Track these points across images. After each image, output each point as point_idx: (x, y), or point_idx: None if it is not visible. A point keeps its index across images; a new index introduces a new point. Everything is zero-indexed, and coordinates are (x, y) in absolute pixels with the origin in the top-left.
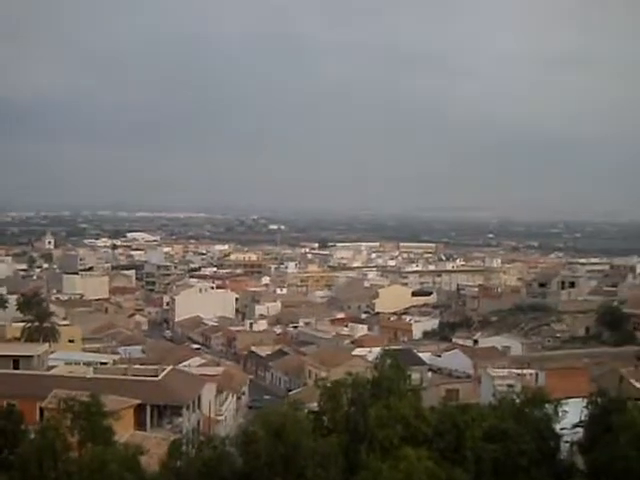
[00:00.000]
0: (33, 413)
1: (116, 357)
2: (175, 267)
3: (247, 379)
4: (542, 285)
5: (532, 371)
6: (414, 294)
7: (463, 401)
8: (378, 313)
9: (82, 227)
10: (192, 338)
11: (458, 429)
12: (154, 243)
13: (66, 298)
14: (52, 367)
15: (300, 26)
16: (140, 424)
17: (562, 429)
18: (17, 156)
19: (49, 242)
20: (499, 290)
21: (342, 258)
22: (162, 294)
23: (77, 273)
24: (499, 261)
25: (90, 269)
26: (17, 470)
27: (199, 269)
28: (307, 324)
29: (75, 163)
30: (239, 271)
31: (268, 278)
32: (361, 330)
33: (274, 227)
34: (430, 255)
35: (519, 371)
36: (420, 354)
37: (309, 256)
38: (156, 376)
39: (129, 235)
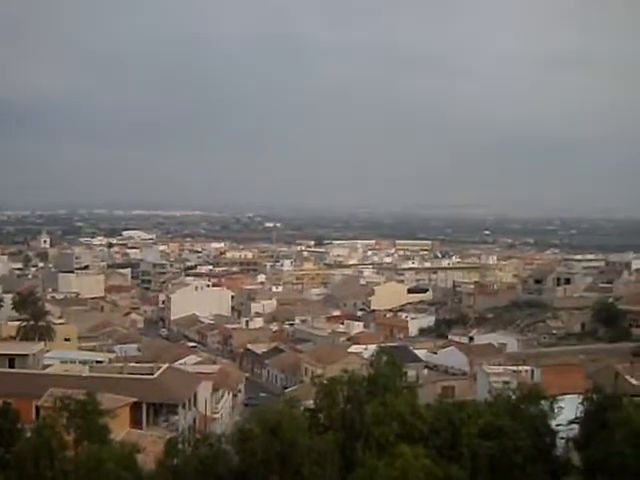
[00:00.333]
0: (29, 412)
1: (112, 355)
2: (171, 265)
3: (243, 377)
4: (538, 282)
5: (528, 368)
6: (410, 291)
7: (459, 398)
8: (374, 310)
9: (78, 226)
10: (188, 336)
11: (454, 426)
12: (150, 241)
13: (62, 297)
14: (48, 366)
15: (300, 26)
16: (136, 422)
17: (558, 425)
18: (13, 155)
19: (45, 241)
20: (495, 287)
21: (338, 256)
22: (158, 292)
23: (73, 272)
24: (495, 258)
25: (86, 268)
26: (13, 469)
27: (195, 267)
28: (303, 322)
29: (71, 162)
30: (235, 269)
31: (264, 276)
32: (357, 327)
33: (270, 225)
34: (426, 252)
35: (515, 368)
36: (416, 351)
37: (305, 254)
38: (152, 374)
39: (125, 233)
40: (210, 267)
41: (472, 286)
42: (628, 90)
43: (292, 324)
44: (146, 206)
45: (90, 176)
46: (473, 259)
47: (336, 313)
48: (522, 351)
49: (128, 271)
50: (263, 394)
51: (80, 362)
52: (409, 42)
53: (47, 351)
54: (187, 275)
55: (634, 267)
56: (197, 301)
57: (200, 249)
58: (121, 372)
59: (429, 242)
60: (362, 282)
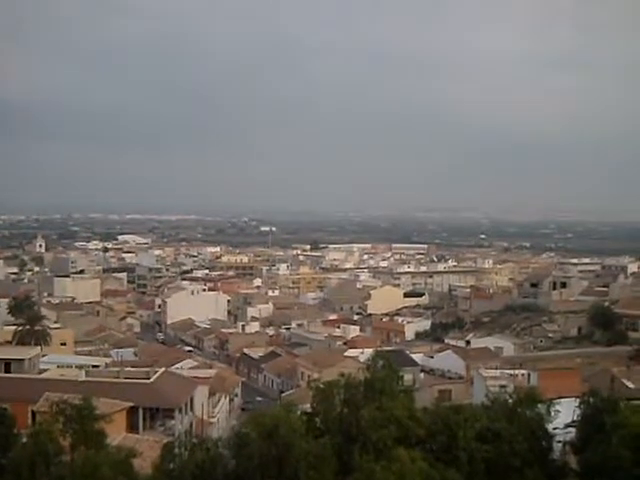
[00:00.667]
0: (25, 417)
1: (108, 360)
2: (167, 269)
3: (239, 381)
4: (534, 285)
5: (524, 371)
6: (406, 295)
7: (456, 402)
8: (370, 314)
9: (73, 230)
10: (184, 340)
11: (451, 430)
12: (145, 246)
13: (57, 301)
14: (44, 370)
15: (294, 29)
16: (132, 427)
17: (554, 429)
18: (8, 158)
19: (40, 245)
20: (491, 291)
21: (334, 260)
22: (154, 297)
23: (68, 276)
24: (491, 262)
25: (81, 272)
26: (9, 474)
27: (191, 271)
28: (299, 326)
29: (66, 166)
30: (231, 273)
31: (260, 280)
32: (353, 331)
33: (266, 229)
34: (422, 256)
35: (511, 371)
36: (412, 355)
37: (301, 258)
38: (148, 379)
39: (120, 238)
40: (206, 271)
41: (468, 290)
42: (626, 92)
43: (288, 328)
44: (142, 210)
45: (86, 180)
46: (469, 263)
47: (332, 317)
48: (518, 355)
49: (124, 275)
50: (260, 398)
51: (76, 367)
52: (404, 44)
53: (43, 356)
54: (183, 279)
55: (630, 271)
56: (193, 305)
57: (196, 253)
58: (117, 377)
59: (425, 246)
60: (358, 286)
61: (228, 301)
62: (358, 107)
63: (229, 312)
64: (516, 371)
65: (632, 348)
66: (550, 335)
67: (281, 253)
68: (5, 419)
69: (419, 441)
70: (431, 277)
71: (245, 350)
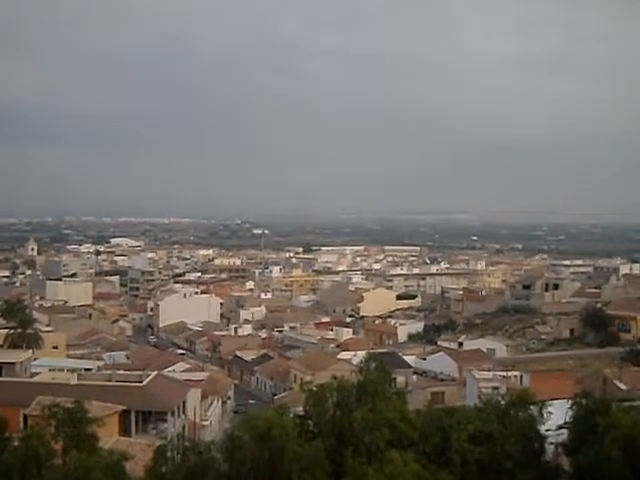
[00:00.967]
0: (17, 420)
1: (100, 363)
2: (159, 272)
3: (232, 384)
4: (526, 287)
5: (517, 373)
6: (399, 297)
7: (448, 404)
8: (363, 317)
9: (65, 233)
10: (177, 343)
11: (444, 432)
12: (138, 249)
13: (49, 304)
14: (36, 374)
15: (291, 32)
16: (125, 430)
17: (547, 431)
18: (0, 161)
19: (32, 248)
20: (483, 292)
21: (327, 262)
22: (146, 300)
23: (60, 279)
24: (483, 264)
25: (73, 275)
26: (1, 478)
27: (183, 274)
28: (292, 328)
29: (58, 169)
30: (223, 276)
31: (252, 283)
32: (346, 334)
33: (258, 231)
34: (414, 258)
35: (504, 373)
36: (405, 357)
37: (293, 260)
38: (141, 382)
39: (113, 241)
40: (198, 274)
41: (460, 292)
42: (620, 95)
43: (281, 331)
44: (134, 213)
45: (78, 183)
46: (461, 265)
47: (325, 319)
48: (511, 356)
49: (116, 278)
50: (252, 401)
51: (68, 370)
52: (397, 48)
53: (35, 359)
54: (175, 282)
55: (622, 272)
56: (186, 308)
57: (188, 256)
58: (110, 380)
59: (417, 248)
60: (351, 288)
61: (221, 304)
62: (352, 110)
63: (222, 315)
64: (509, 373)
65: (624, 349)
66: (542, 337)
67: (274, 256)
68: None
69: (412, 443)
70: (424, 279)
71: (237, 353)
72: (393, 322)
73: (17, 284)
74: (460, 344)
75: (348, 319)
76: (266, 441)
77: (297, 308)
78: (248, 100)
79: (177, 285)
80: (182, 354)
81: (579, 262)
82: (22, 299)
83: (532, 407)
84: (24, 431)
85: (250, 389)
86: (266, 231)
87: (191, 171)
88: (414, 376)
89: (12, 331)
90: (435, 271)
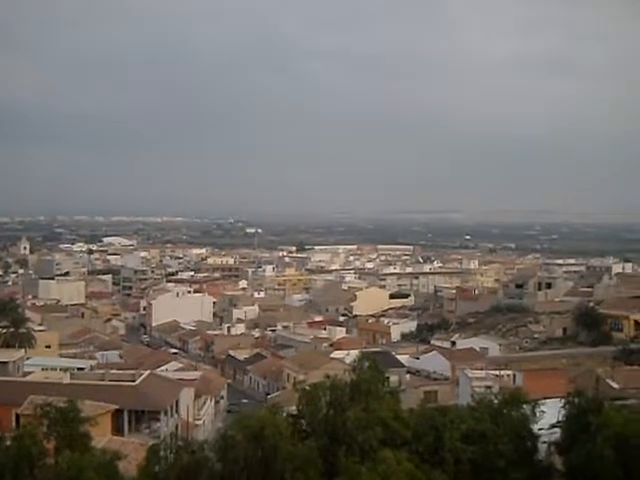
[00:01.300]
0: (9, 420)
1: (93, 362)
2: (152, 271)
3: (225, 383)
4: (519, 286)
5: (510, 372)
6: (392, 296)
7: (442, 403)
8: (356, 316)
9: (58, 232)
10: (169, 342)
11: (437, 431)
12: (131, 247)
13: (42, 303)
14: (28, 373)
15: (290, 32)
16: (118, 429)
17: (540, 430)
18: None
19: (24, 247)
20: (476, 292)
21: (320, 261)
22: (139, 299)
23: (53, 278)
24: (476, 263)
25: (66, 274)
26: None
27: (176, 273)
28: (285, 327)
29: (51, 167)
30: (216, 275)
31: (245, 282)
32: (339, 333)
33: (251, 230)
34: (408, 257)
35: (497, 372)
36: (398, 356)
37: (287, 259)
38: (134, 381)
39: (105, 240)
40: (191, 273)
41: (453, 291)
42: (614, 95)
43: (274, 330)
44: (127, 212)
45: (70, 182)
46: (454, 264)
47: (318, 319)
48: (504, 355)
49: (109, 277)
50: (245, 400)
51: (61, 369)
52: (397, 48)
53: (27, 358)
54: (168, 281)
55: (614, 271)
56: (178, 307)
57: (181, 255)
58: (102, 379)
59: (411, 247)
60: (344, 287)
61: (214, 303)
62: (349, 110)
63: (214, 314)
64: (501, 372)
65: (616, 348)
66: (535, 336)
67: (267, 255)
68: None
69: (405, 442)
70: (417, 278)
71: (230, 352)
72: (386, 321)
73: (9, 283)
74: (453, 343)
75: (341, 318)
76: (259, 440)
77: (290, 307)
78: (246, 100)
79: (170, 284)
80: (175, 353)
81: (572, 261)
82: (14, 298)
83: (525, 406)
84: (16, 430)
85: (243, 388)
86: (259, 230)
87: (185, 171)
88: (407, 375)
89: (4, 330)
90: (428, 270)
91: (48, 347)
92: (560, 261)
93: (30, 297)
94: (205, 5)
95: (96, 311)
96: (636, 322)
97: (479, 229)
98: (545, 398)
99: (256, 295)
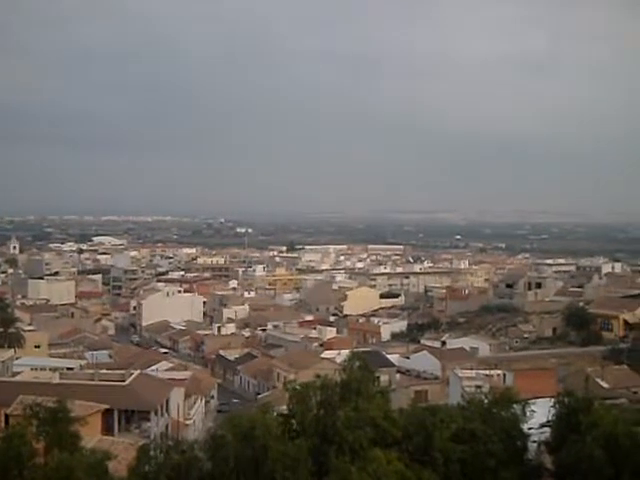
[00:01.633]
0: None
1: (83, 362)
2: (142, 271)
3: (215, 383)
4: (509, 286)
5: (500, 372)
6: (382, 296)
7: (432, 402)
8: (346, 315)
9: (48, 231)
10: (160, 342)
11: (427, 431)
12: (120, 247)
13: (31, 303)
14: (17, 373)
15: (281, 32)
16: (108, 429)
17: (530, 429)
18: None
19: (14, 247)
20: (466, 291)
21: (310, 261)
22: (129, 298)
23: (42, 278)
24: (466, 262)
25: (56, 274)
26: None
27: (166, 273)
28: (275, 327)
29: (41, 167)
30: (206, 275)
31: (236, 281)
32: (329, 332)
33: (242, 230)
34: (398, 257)
35: (487, 372)
36: (388, 356)
37: (277, 259)
38: (123, 381)
39: (95, 239)
40: (182, 273)
41: (444, 291)
42: (612, 95)
43: (264, 330)
44: (117, 212)
45: (60, 181)
46: (445, 264)
47: (309, 318)
48: (494, 355)
49: (99, 277)
50: (235, 400)
51: (50, 369)
52: (378, 48)
53: (17, 358)
54: (158, 281)
55: (604, 271)
56: (169, 307)
57: (171, 255)
58: (92, 379)
59: (401, 247)
60: (334, 287)
61: (204, 303)
62: (337, 110)
63: (205, 314)
64: (492, 371)
65: (606, 348)
66: (525, 335)
67: (257, 254)
68: None
69: (395, 442)
70: (407, 278)
71: (221, 352)
72: (376, 321)
73: None
74: (443, 343)
75: (332, 318)
76: (249, 440)
77: (280, 307)
78: (238, 100)
79: (160, 284)
80: (165, 353)
81: (562, 261)
82: (4, 298)
83: (515, 406)
84: (5, 430)
85: (233, 388)
86: (250, 230)
87: (175, 170)
88: (397, 375)
89: None
90: (418, 270)
91: (37, 347)
92: (550, 261)
93: (19, 297)
94: (204, 5)
95: (86, 311)
96: (625, 322)
97: (470, 229)
98: (535, 398)
99: (246, 295)
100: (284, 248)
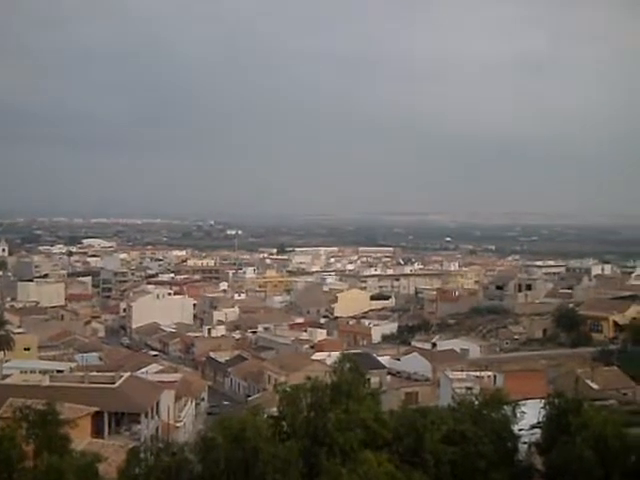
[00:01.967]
0: None
1: (73, 365)
2: (132, 273)
3: (206, 385)
4: (499, 288)
5: (490, 373)
6: (373, 298)
7: (422, 404)
8: (337, 317)
9: (37, 234)
10: (150, 345)
11: (417, 432)
12: (110, 249)
13: (21, 306)
14: (7, 376)
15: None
16: (98, 432)
17: (520, 430)
18: None
19: (3, 249)
20: (457, 293)
21: (301, 263)
22: (119, 301)
23: (32, 280)
24: (457, 264)
25: (45, 276)
26: None
27: (156, 275)
28: (266, 329)
29: (30, 169)
30: (197, 277)
31: (226, 284)
32: (320, 335)
33: (232, 232)
34: (388, 259)
35: (477, 373)
36: (379, 358)
37: (267, 261)
38: (113, 383)
39: (85, 242)
40: (172, 275)
41: (434, 292)
42: (611, 96)
43: (255, 332)
44: (106, 214)
45: (50, 183)
46: (435, 266)
47: (299, 320)
48: (484, 357)
49: (88, 279)
50: (226, 402)
51: (40, 372)
52: (377, 49)
53: (6, 361)
54: (148, 283)
55: (594, 273)
56: (159, 309)
57: (161, 257)
58: (82, 381)
59: (391, 249)
60: (325, 289)
61: (194, 305)
62: (328, 111)
63: (195, 316)
64: (482, 373)
65: (596, 349)
66: (516, 337)
67: (248, 257)
68: None
69: (386, 444)
70: (397, 280)
71: (211, 354)
72: (367, 323)
73: None
74: (434, 344)
75: (322, 320)
76: (240, 442)
77: (271, 309)
78: (224, 101)
79: (150, 286)
80: (155, 355)
81: (552, 263)
82: None
83: (505, 407)
84: None
85: (224, 390)
86: (240, 232)
87: (164, 172)
88: (388, 377)
89: None
90: (409, 272)
91: (27, 349)
92: (540, 263)
93: (9, 299)
94: (205, 6)
95: (76, 313)
96: (615, 323)
97: (460, 231)
98: (525, 399)
99: (237, 297)
100: (274, 250)
